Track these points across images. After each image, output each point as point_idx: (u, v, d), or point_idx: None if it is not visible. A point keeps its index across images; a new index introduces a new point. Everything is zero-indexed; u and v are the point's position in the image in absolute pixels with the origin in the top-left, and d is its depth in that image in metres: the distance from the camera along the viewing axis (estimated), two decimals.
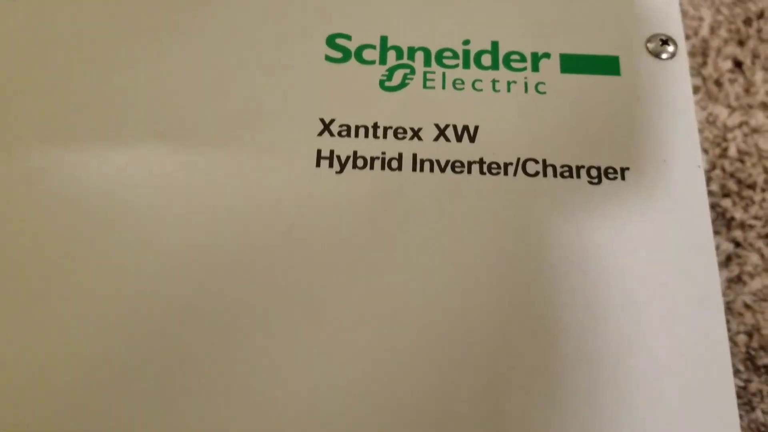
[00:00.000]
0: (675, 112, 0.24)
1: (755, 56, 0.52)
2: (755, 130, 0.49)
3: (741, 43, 0.52)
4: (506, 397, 0.20)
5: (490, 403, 0.19)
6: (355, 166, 0.23)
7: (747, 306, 0.43)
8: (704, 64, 0.49)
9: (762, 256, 0.45)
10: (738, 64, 0.51)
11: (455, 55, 0.24)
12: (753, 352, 0.42)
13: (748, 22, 0.53)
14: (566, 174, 0.23)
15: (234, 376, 0.20)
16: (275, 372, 0.20)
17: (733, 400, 0.21)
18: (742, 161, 0.48)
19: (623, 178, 0.23)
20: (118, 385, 0.19)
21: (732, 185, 0.47)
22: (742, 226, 0.45)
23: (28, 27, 0.24)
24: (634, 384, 0.20)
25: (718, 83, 0.50)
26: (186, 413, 0.19)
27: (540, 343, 0.20)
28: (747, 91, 0.51)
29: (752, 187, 0.47)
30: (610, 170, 0.23)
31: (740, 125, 0.49)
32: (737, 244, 0.46)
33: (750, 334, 0.41)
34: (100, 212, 0.22)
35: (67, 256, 0.21)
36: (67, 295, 0.20)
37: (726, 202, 0.46)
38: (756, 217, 0.46)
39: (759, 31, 0.53)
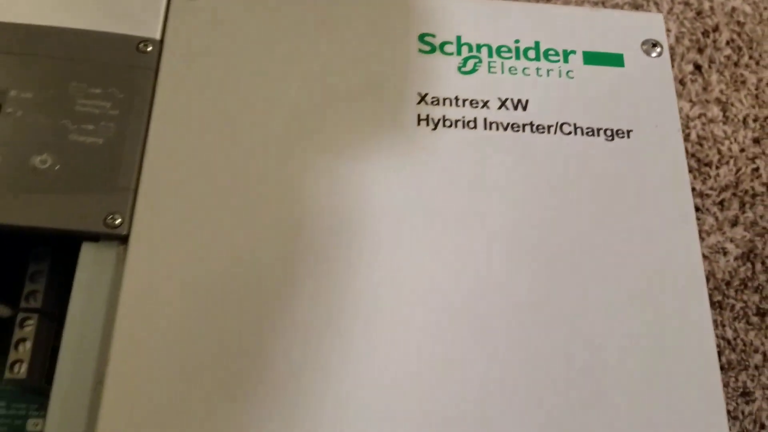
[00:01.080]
0: (662, 93, 0.33)
1: (711, 61, 0.63)
2: (711, 120, 0.59)
3: (700, 51, 0.62)
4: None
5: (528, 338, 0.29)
6: (444, 125, 0.32)
7: (705, 256, 0.53)
8: (671, 67, 0.59)
9: (716, 218, 0.56)
10: (698, 67, 0.61)
11: (509, 50, 0.33)
12: (708, 291, 0.52)
13: (706, 33, 0.63)
14: (589, 133, 0.32)
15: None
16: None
17: (710, 329, 0.30)
18: (701, 144, 0.58)
19: (629, 137, 0.32)
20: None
21: (693, 163, 0.57)
22: (701, 195, 0.56)
23: (206, 28, 0.33)
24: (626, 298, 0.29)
25: (681, 82, 0.60)
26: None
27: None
28: (705, 89, 0.61)
29: (709, 165, 0.57)
30: (620, 131, 0.32)
31: (699, 116, 0.59)
32: (697, 209, 0.56)
33: (708, 279, 0.51)
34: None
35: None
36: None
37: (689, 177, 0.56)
38: (712, 188, 0.56)
39: (714, 41, 0.63)
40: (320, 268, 0.29)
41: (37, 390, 0.33)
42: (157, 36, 0.33)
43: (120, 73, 0.32)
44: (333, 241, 0.29)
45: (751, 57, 0.63)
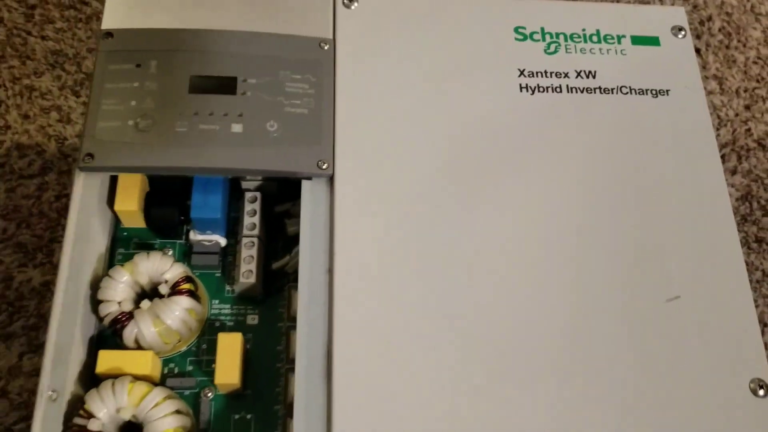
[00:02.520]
0: (688, 63, 0.46)
1: (707, 45, 0.75)
2: (710, 92, 0.72)
3: (698, 37, 0.75)
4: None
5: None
6: (538, 91, 0.44)
7: None
8: None
9: None
10: (697, 50, 0.74)
11: (579, 36, 0.46)
12: None
13: (701, 23, 0.76)
14: (640, 92, 0.44)
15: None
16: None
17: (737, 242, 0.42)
18: None
19: (668, 95, 0.44)
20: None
21: None
22: None
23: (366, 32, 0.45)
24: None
25: None
26: None
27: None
28: (704, 68, 0.74)
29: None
30: (661, 91, 0.45)
31: None
32: None
33: None
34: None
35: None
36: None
37: None
38: None
39: (709, 29, 0.76)
40: (467, 185, 0.41)
41: (252, 296, 0.45)
42: (330, 36, 0.45)
43: (311, 64, 0.44)
44: (472, 164, 0.42)
45: (738, 41, 0.76)
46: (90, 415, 0.37)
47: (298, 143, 0.42)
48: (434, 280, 0.39)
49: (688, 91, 0.45)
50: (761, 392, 0.37)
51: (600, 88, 0.45)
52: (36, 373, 0.55)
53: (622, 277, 0.40)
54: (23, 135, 0.65)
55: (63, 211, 0.61)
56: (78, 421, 0.37)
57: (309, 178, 0.42)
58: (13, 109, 0.66)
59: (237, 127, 0.41)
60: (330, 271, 0.39)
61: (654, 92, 0.45)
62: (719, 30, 0.76)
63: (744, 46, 0.75)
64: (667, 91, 0.45)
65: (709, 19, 0.77)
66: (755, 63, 0.74)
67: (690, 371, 0.37)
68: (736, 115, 0.71)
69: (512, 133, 0.43)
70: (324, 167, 0.42)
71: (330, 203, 0.41)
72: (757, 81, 0.73)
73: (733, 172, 0.68)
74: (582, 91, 0.44)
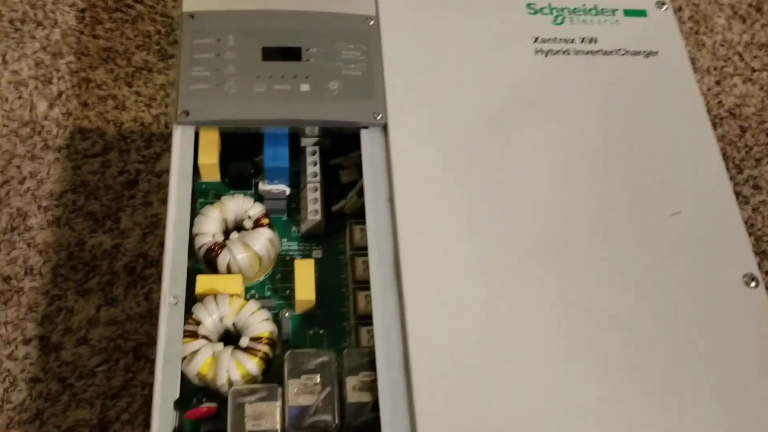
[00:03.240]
0: (670, 30, 0.54)
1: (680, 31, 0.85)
2: None
3: None
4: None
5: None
6: (551, 54, 0.52)
7: None
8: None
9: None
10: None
11: (581, 10, 0.54)
12: None
13: (674, 11, 0.85)
14: (634, 54, 0.53)
15: None
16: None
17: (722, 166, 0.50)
18: None
19: (657, 55, 0.53)
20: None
21: None
22: None
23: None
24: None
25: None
26: None
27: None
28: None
29: None
30: (651, 52, 0.53)
31: None
32: None
33: None
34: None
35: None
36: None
37: None
38: None
39: (680, 17, 0.85)
40: (499, 128, 0.49)
41: (316, 234, 0.52)
42: (374, 13, 0.53)
43: (360, 36, 0.52)
44: (501, 112, 0.50)
45: (706, 27, 0.85)
46: (198, 323, 0.44)
47: (356, 99, 0.49)
48: (478, 202, 0.47)
49: (672, 52, 0.54)
50: (752, 284, 0.45)
51: (601, 50, 0.53)
52: (113, 322, 0.62)
53: (632, 198, 0.48)
54: (84, 120, 0.72)
55: (126, 185, 0.68)
56: (188, 327, 0.44)
57: (366, 128, 0.49)
58: (73, 98, 0.72)
59: (305, 87, 0.49)
60: (390, 200, 0.47)
61: (645, 53, 0.53)
62: (689, 18, 0.85)
63: (711, 31, 0.85)
64: (656, 52, 0.53)
65: (680, 9, 0.86)
66: (722, 45, 0.84)
67: (689, 269, 0.45)
68: (708, 89, 0.80)
69: (532, 88, 0.51)
70: (378, 118, 0.49)
71: (385, 147, 0.49)
72: (725, 61, 0.83)
73: None
74: (586, 54, 0.53)
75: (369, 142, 0.49)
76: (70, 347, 0.60)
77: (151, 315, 0.62)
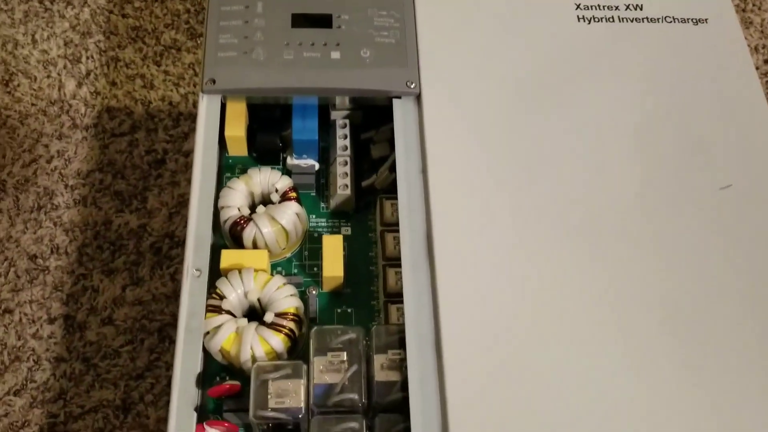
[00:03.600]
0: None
1: None
2: None
3: None
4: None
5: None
6: (594, 21, 0.49)
7: None
8: None
9: None
10: None
11: None
12: None
13: None
14: (682, 21, 0.50)
15: None
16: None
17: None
18: None
19: (707, 23, 0.50)
20: None
21: None
22: None
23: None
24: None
25: None
26: None
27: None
28: None
29: None
30: (701, 20, 0.50)
31: None
32: None
33: None
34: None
35: None
36: None
37: None
38: None
39: None
40: (536, 97, 0.46)
41: (345, 210, 0.50)
42: None
43: (394, 2, 0.49)
44: (540, 79, 0.47)
45: (753, 5, 0.81)
46: (221, 297, 0.43)
47: (389, 67, 0.47)
48: (514, 175, 0.44)
49: (723, 21, 0.50)
50: None
51: (647, 17, 0.50)
52: (138, 302, 0.60)
53: (679, 171, 0.45)
54: (112, 99, 0.70)
55: (153, 164, 0.67)
56: (211, 302, 0.42)
57: (399, 97, 0.47)
58: (101, 78, 0.71)
59: (335, 54, 0.47)
60: (423, 171, 0.44)
61: (694, 21, 0.50)
62: None
63: (759, 9, 0.81)
64: (706, 20, 0.50)
65: None
66: None
67: (741, 245, 0.42)
68: (757, 68, 0.76)
69: (573, 57, 0.48)
70: (412, 86, 0.47)
71: (418, 117, 0.46)
72: None
73: None
74: (631, 21, 0.50)
75: (402, 111, 0.47)
76: (95, 327, 0.59)
77: (177, 295, 0.60)
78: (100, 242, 0.63)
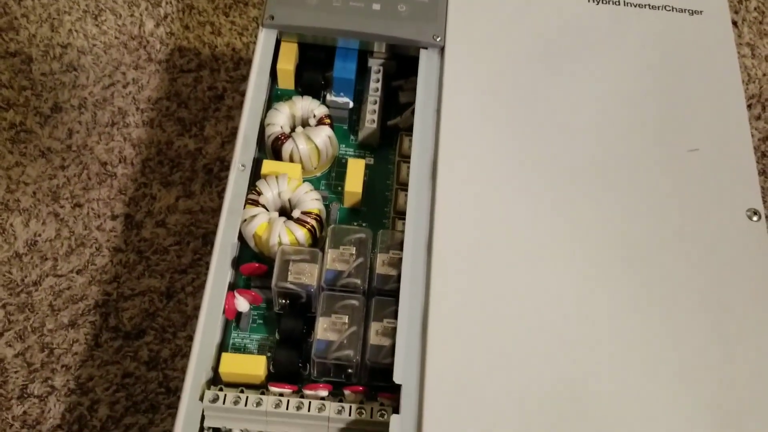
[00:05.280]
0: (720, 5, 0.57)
1: (743, 20, 0.86)
2: (743, 56, 0.82)
3: (736, 12, 0.86)
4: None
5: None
6: (602, 4, 0.56)
7: None
8: None
9: None
10: (734, 23, 0.84)
11: None
12: None
13: (740, 2, 0.86)
14: (680, 11, 0.56)
15: None
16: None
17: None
18: None
19: (701, 14, 0.56)
20: None
21: None
22: None
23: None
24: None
25: None
26: None
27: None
28: (739, 36, 0.84)
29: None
30: (695, 11, 0.56)
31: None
32: None
33: None
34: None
35: None
36: None
37: None
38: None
39: (746, 6, 0.86)
40: (550, 60, 0.53)
41: (370, 143, 0.57)
42: None
43: None
44: (554, 48, 0.54)
45: None
46: (259, 193, 0.50)
47: (420, 20, 0.54)
48: (516, 121, 0.51)
49: (716, 12, 0.56)
50: (755, 218, 0.48)
51: (649, 4, 0.56)
52: (188, 212, 0.69)
53: (658, 135, 0.51)
54: (184, 40, 0.79)
55: (213, 99, 0.75)
56: (250, 197, 0.50)
57: (426, 48, 0.54)
58: (176, 21, 0.80)
59: (376, 6, 0.54)
60: (438, 111, 0.52)
61: (690, 11, 0.56)
62: (754, 8, 0.86)
63: None
64: (701, 12, 0.56)
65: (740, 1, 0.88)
66: None
67: (700, 199, 0.49)
68: (764, 74, 0.81)
69: (582, 31, 0.55)
70: (437, 39, 0.54)
71: (440, 66, 0.53)
72: None
73: (758, 118, 0.78)
74: (635, 6, 0.56)
75: (427, 60, 0.54)
76: (150, 227, 0.67)
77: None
78: (161, 158, 0.71)
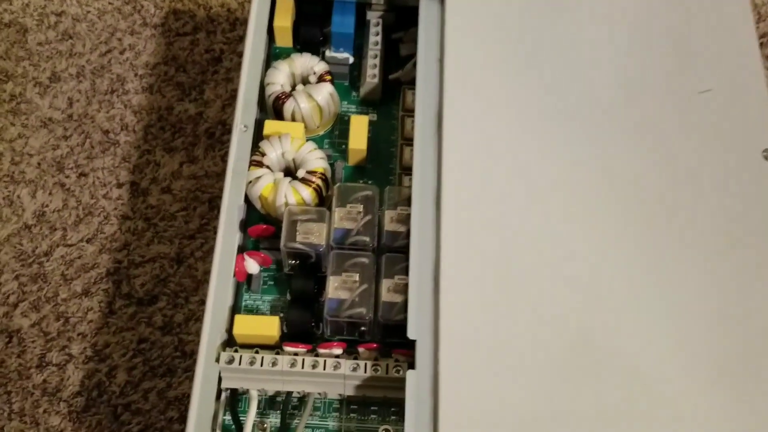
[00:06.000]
0: None
1: None
2: None
3: None
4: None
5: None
6: None
7: None
8: None
9: None
10: None
11: None
12: None
13: None
14: None
15: None
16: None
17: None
18: None
19: None
20: None
21: None
22: None
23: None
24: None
25: None
26: None
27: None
28: None
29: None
30: None
31: None
32: None
33: None
34: None
35: None
36: None
37: None
38: None
39: None
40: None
41: (372, 99, 0.56)
42: None
43: None
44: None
45: None
46: (263, 154, 0.49)
47: None
48: (521, 69, 0.49)
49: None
50: None
51: None
52: (193, 177, 0.68)
53: (672, 77, 0.49)
54: (178, 3, 0.77)
55: (211, 61, 0.73)
56: (254, 158, 0.49)
57: None
58: None
59: None
60: (440, 60, 0.50)
61: None
62: None
63: None
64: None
65: None
66: None
67: (713, 140, 0.47)
68: None
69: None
70: None
71: (441, 16, 0.52)
72: None
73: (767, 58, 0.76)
74: None
75: (426, 10, 0.52)
76: (156, 194, 0.67)
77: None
78: (162, 124, 0.70)
